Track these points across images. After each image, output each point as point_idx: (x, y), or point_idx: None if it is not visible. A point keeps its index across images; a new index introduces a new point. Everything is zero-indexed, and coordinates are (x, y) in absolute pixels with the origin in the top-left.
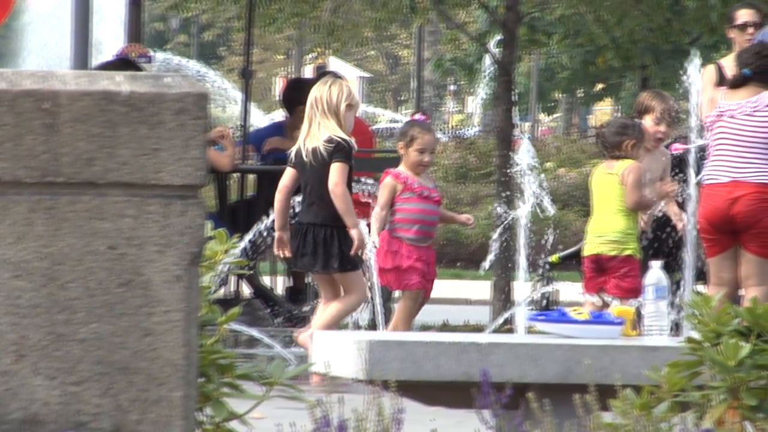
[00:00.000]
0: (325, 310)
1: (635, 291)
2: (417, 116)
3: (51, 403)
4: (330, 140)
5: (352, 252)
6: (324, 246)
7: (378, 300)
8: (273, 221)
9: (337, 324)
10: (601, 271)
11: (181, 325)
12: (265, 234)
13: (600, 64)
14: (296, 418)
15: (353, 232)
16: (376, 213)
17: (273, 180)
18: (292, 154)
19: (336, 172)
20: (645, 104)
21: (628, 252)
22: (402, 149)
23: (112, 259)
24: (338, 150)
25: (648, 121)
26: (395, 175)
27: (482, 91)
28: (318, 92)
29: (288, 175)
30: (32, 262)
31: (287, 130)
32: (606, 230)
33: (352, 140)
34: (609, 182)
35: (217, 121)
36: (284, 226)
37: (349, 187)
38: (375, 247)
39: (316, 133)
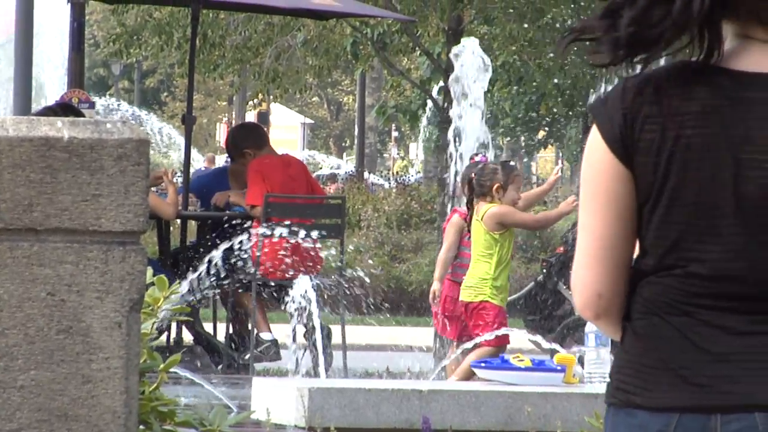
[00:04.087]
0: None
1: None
2: (478, 157)
3: None
4: None
5: None
6: None
7: (320, 345)
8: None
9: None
10: (467, 317)
11: (121, 372)
12: (205, 279)
13: (543, 110)
14: None
15: None
16: (441, 256)
17: (214, 227)
18: None
19: None
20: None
21: (481, 298)
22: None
23: (51, 306)
24: None
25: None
26: (462, 213)
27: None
28: None
29: None
30: None
31: (230, 175)
32: (468, 276)
33: None
34: (475, 228)
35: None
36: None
37: None
38: (436, 297)
39: None
